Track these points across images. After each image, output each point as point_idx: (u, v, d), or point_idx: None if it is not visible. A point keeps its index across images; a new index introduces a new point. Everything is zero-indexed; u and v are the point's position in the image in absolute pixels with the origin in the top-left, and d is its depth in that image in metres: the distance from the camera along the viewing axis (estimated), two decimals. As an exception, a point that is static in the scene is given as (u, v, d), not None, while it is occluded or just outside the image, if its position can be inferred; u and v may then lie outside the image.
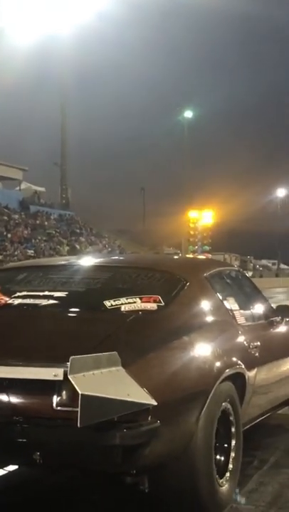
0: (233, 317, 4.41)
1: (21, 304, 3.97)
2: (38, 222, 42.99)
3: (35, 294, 4.08)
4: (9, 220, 39.88)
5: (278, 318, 5.21)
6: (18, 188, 49.00)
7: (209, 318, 4.10)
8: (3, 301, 4.00)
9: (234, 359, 3.99)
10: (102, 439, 2.99)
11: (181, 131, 57.26)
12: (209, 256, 41.26)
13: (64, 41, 46.33)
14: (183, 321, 3.87)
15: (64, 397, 3.05)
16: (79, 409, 2.75)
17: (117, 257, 7.40)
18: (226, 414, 3.87)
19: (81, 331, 3.63)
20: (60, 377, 2.98)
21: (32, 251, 36.44)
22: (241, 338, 4.32)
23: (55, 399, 3.07)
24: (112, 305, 3.80)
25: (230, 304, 4.48)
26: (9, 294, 4.10)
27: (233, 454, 3.96)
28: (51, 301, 3.95)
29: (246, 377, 4.14)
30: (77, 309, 3.92)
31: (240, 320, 4.50)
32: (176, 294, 4.04)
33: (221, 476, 3.79)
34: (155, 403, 3.04)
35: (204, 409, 3.52)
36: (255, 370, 4.36)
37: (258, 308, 5.07)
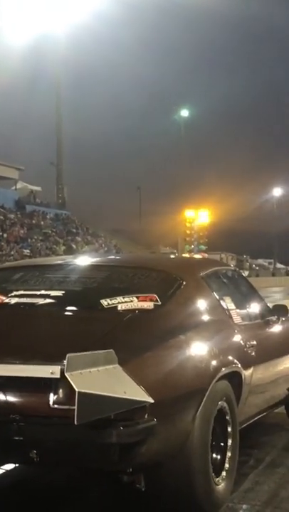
0: (230, 316, 4.42)
1: (18, 303, 3.97)
2: (34, 221, 42.88)
3: (31, 293, 4.09)
4: (5, 220, 39.75)
5: (274, 318, 5.23)
6: (13, 187, 48.86)
7: (206, 317, 4.11)
8: (-1, 300, 4.00)
9: (230, 358, 4.00)
10: (99, 437, 2.99)
11: (178, 131, 57.27)
12: (205, 255, 41.30)
13: (59, 40, 46.19)
14: (179, 320, 3.87)
15: (61, 395, 3.05)
16: (76, 407, 2.76)
17: (113, 257, 7.41)
18: (222, 412, 3.88)
19: (78, 329, 3.63)
20: (57, 375, 2.98)
21: (28, 250, 36.33)
22: (238, 337, 4.32)
23: (52, 397, 3.07)
24: (108, 304, 3.81)
25: (227, 303, 4.49)
26: (6, 293, 4.11)
27: (229, 453, 3.96)
28: (48, 300, 3.95)
29: (242, 376, 4.14)
30: (74, 308, 3.92)
31: (237, 319, 4.51)
32: (173, 293, 4.04)
33: (217, 474, 3.80)
34: (152, 401, 3.04)
35: (201, 407, 3.52)
36: (252, 369, 4.36)
37: (255, 308, 5.08)
